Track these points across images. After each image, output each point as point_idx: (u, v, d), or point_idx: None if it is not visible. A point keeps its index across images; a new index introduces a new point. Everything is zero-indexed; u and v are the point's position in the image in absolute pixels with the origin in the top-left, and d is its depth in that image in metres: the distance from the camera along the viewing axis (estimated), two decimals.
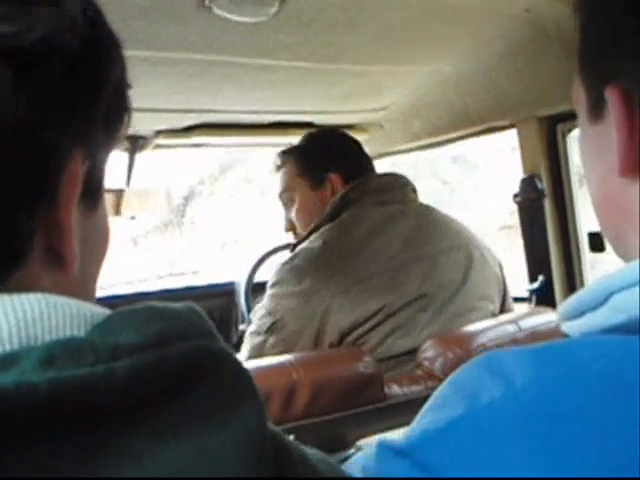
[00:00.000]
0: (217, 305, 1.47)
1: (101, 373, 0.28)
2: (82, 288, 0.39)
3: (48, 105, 0.32)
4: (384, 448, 0.40)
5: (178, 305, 0.34)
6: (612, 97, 0.45)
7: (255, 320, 1.42)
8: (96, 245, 0.40)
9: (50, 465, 0.26)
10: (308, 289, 1.34)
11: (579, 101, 0.51)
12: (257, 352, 1.37)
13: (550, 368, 0.38)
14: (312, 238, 1.44)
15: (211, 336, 0.33)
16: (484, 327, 1.32)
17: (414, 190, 1.58)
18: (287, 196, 1.65)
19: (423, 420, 0.40)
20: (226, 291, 2.11)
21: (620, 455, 0.33)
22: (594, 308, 0.44)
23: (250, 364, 1.16)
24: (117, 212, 1.86)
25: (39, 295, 0.31)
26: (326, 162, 1.58)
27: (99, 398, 0.28)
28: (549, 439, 0.34)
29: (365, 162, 1.62)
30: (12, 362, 0.27)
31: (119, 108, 0.40)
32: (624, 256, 0.48)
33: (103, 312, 0.33)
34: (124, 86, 0.41)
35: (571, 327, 0.46)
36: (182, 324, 0.32)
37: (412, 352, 1.30)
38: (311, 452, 0.37)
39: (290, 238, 1.70)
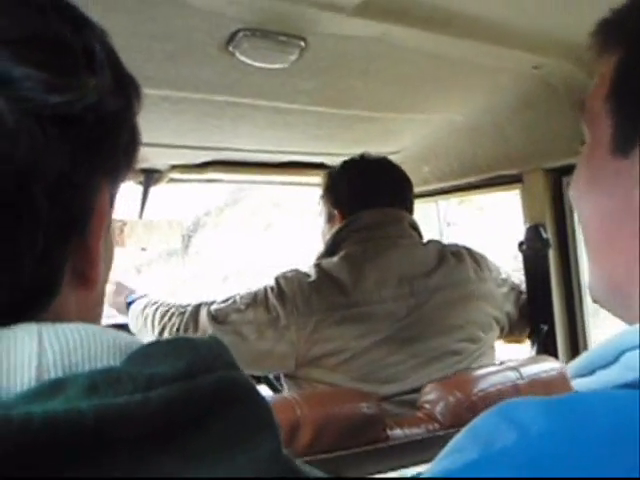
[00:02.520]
0: None
1: (138, 401, 0.30)
2: (100, 304, 0.43)
3: (83, 154, 0.36)
4: None
5: (205, 338, 0.36)
6: None
7: (241, 294, 1.49)
8: (108, 265, 0.44)
9: None
10: (283, 299, 1.41)
11: (599, 127, 0.50)
12: (230, 310, 1.44)
13: (564, 419, 0.38)
14: (311, 265, 1.50)
15: (234, 367, 0.35)
16: (486, 372, 1.33)
17: (412, 225, 1.58)
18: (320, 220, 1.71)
19: (440, 463, 0.41)
20: None
21: None
22: (605, 366, 0.44)
23: None
24: (122, 243, 1.88)
25: (79, 325, 0.34)
26: (334, 198, 1.62)
27: (137, 424, 0.30)
28: None
29: (376, 199, 1.57)
30: (59, 389, 0.30)
31: (134, 143, 0.44)
32: (628, 309, 0.47)
33: (136, 341, 0.36)
34: (136, 122, 0.44)
35: (582, 384, 0.47)
36: (210, 356, 0.34)
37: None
38: (321, 475, 0.39)
39: None
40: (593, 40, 0.53)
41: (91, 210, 0.38)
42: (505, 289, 1.60)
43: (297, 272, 1.48)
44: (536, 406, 0.40)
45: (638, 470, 0.34)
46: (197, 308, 1.49)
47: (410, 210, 1.62)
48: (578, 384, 0.47)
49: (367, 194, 1.58)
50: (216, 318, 1.44)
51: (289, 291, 1.42)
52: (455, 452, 0.40)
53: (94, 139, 0.37)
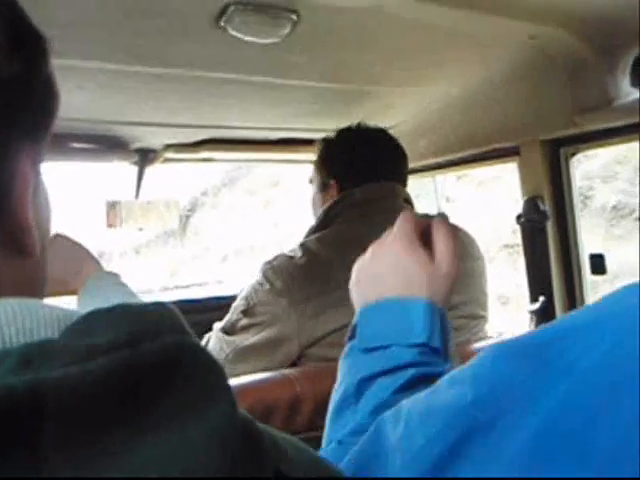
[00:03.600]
0: (220, 317, 1.49)
1: (76, 373, 0.28)
2: (40, 272, 0.42)
3: None
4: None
5: (149, 303, 0.34)
6: None
7: (235, 302, 1.47)
8: (44, 232, 0.43)
9: (30, 464, 0.27)
10: (276, 290, 1.38)
11: None
12: (229, 328, 1.43)
13: None
14: (295, 246, 1.46)
15: (182, 331, 0.33)
16: (485, 345, 1.33)
17: (407, 200, 1.55)
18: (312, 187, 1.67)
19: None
20: (231, 304, 2.12)
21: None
22: None
23: (253, 377, 1.17)
24: (115, 224, 1.88)
25: (11, 299, 0.32)
26: (330, 167, 1.58)
27: (75, 398, 0.28)
28: None
29: (372, 172, 1.53)
30: None
31: (51, 99, 0.42)
32: None
33: (75, 313, 0.34)
34: (50, 77, 0.42)
35: None
36: (154, 321, 0.33)
37: None
38: (282, 436, 0.38)
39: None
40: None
41: (12, 174, 0.37)
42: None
43: (283, 259, 1.43)
44: None
45: None
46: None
47: (405, 184, 1.60)
48: None
49: (364, 164, 1.54)
50: (226, 331, 1.43)
51: (281, 283, 1.38)
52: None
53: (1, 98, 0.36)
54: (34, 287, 0.42)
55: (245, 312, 1.41)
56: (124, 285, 1.14)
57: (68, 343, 0.30)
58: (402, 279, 0.71)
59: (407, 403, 0.50)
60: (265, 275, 1.42)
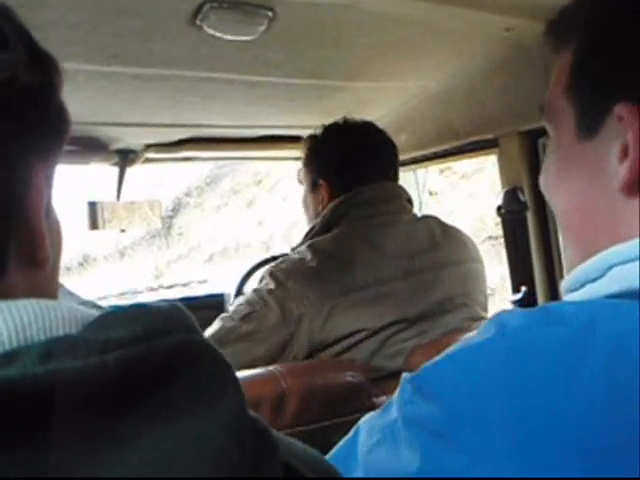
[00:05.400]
0: (207, 316, 1.49)
1: (95, 364, 0.31)
2: (53, 283, 0.43)
3: (8, 131, 0.36)
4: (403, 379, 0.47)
5: (163, 303, 0.37)
6: (629, 114, 0.47)
7: (233, 307, 1.42)
8: (56, 245, 0.44)
9: (52, 449, 0.29)
10: (288, 292, 1.34)
11: (563, 118, 0.54)
12: (224, 334, 1.36)
13: (539, 315, 0.43)
14: (302, 248, 1.43)
15: (194, 330, 0.36)
16: (471, 335, 1.34)
17: (409, 200, 1.54)
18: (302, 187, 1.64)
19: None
20: (216, 302, 2.13)
21: (591, 390, 0.38)
22: (594, 280, 0.48)
23: (238, 374, 1.17)
24: (97, 226, 1.87)
25: (33, 301, 0.34)
26: (319, 166, 1.55)
27: (94, 387, 0.30)
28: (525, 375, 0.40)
29: (367, 169, 1.51)
30: (14, 358, 0.30)
31: (63, 122, 0.44)
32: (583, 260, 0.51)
33: (92, 313, 0.36)
34: (63, 101, 0.44)
35: (572, 297, 0.50)
36: (167, 320, 0.35)
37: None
38: (289, 440, 0.40)
39: (278, 250, 1.72)
40: (547, 40, 0.58)
41: (27, 184, 0.38)
42: None
43: (293, 261, 1.39)
44: (520, 311, 0.45)
45: (596, 359, 0.38)
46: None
47: (397, 178, 1.58)
48: (569, 297, 0.51)
49: (355, 163, 1.51)
50: (221, 343, 1.33)
51: (293, 284, 1.34)
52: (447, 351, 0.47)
53: (15, 116, 0.37)
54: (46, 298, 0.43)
55: (245, 318, 1.36)
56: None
57: (86, 337, 0.32)
58: None
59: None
60: (274, 277, 1.37)
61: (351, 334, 1.31)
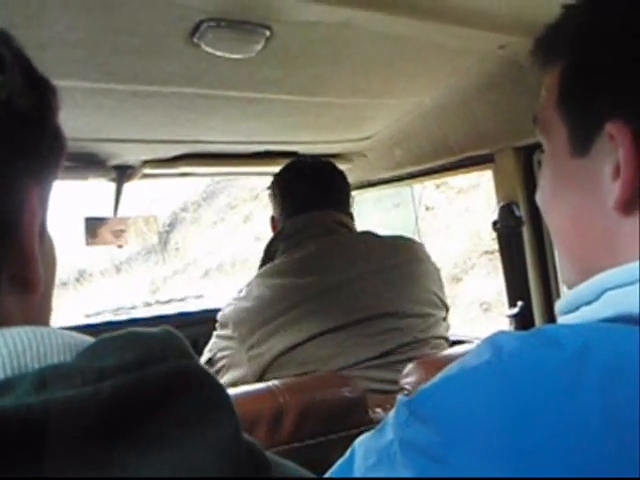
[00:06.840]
0: (204, 331, 1.49)
1: (88, 393, 0.31)
2: (46, 307, 0.43)
3: (3, 154, 0.37)
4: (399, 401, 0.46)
5: (156, 329, 0.37)
6: (619, 133, 0.47)
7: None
8: (50, 268, 0.44)
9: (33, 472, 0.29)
10: (231, 331, 1.47)
11: (556, 134, 0.54)
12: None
13: (534, 338, 0.43)
14: (244, 286, 1.56)
15: (188, 356, 0.36)
16: (466, 350, 1.35)
17: (339, 222, 1.61)
18: None
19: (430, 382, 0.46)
20: (212, 318, 2.12)
21: (586, 414, 0.38)
22: (588, 303, 0.48)
23: (236, 390, 1.18)
24: (94, 242, 1.88)
25: (27, 328, 0.34)
26: (273, 204, 1.71)
27: (87, 416, 0.30)
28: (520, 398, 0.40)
29: (303, 201, 1.63)
30: (8, 388, 0.30)
31: (59, 144, 0.44)
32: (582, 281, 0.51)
33: (86, 340, 0.36)
34: (59, 124, 0.45)
35: (567, 319, 0.50)
36: (160, 347, 0.35)
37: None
38: (283, 462, 0.41)
39: None
40: (535, 57, 0.57)
41: (21, 211, 0.38)
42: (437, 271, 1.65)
43: (231, 303, 1.53)
44: (516, 334, 0.45)
45: (590, 383, 0.39)
46: None
47: (343, 206, 1.67)
48: (563, 319, 0.51)
49: (294, 199, 1.65)
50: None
51: (232, 326, 1.47)
52: (441, 373, 0.46)
53: (11, 137, 0.37)
54: (41, 324, 0.42)
55: (209, 362, 1.50)
56: None
57: (80, 366, 0.32)
58: None
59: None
60: (220, 323, 1.52)
61: (284, 350, 1.41)
